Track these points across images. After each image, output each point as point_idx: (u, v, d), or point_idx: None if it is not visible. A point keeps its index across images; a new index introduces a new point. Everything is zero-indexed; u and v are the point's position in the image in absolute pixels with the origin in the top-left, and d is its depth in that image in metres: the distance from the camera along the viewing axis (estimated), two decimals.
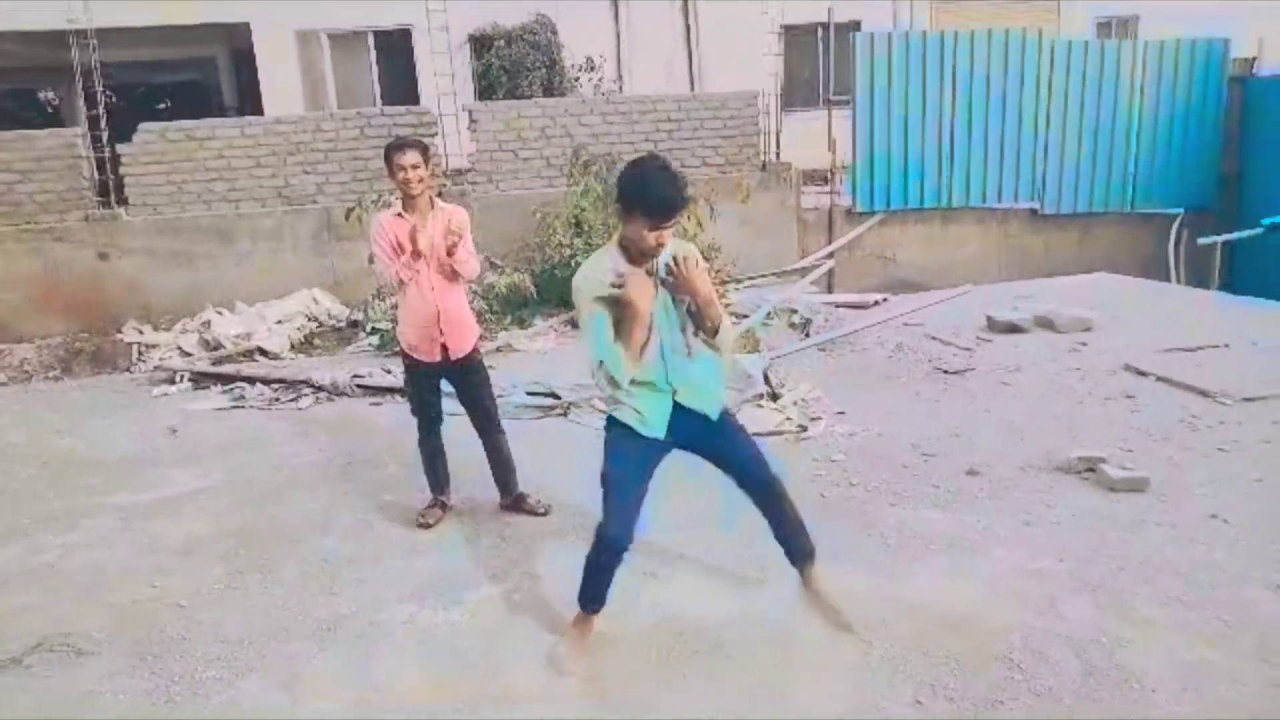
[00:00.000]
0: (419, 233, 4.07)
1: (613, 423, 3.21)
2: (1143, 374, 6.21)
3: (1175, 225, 11.28)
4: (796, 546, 3.39)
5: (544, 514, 4.46)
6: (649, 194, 2.86)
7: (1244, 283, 10.49)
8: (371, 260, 4.27)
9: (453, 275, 4.20)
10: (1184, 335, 7.04)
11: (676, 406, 3.13)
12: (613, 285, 2.96)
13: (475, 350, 4.39)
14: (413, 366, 4.36)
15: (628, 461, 3.15)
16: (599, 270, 3.04)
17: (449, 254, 4.12)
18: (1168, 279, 10.90)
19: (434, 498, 4.55)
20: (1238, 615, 3.33)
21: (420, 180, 4.10)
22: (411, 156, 4.07)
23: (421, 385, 4.41)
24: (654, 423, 3.13)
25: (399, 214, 4.19)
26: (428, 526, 4.41)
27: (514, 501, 4.55)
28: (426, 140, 9.30)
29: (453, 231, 4.11)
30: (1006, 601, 3.49)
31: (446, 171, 9.80)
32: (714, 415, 3.20)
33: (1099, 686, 2.97)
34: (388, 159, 4.13)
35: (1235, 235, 10.70)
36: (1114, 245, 11.25)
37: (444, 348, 4.23)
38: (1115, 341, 7.05)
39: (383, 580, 3.93)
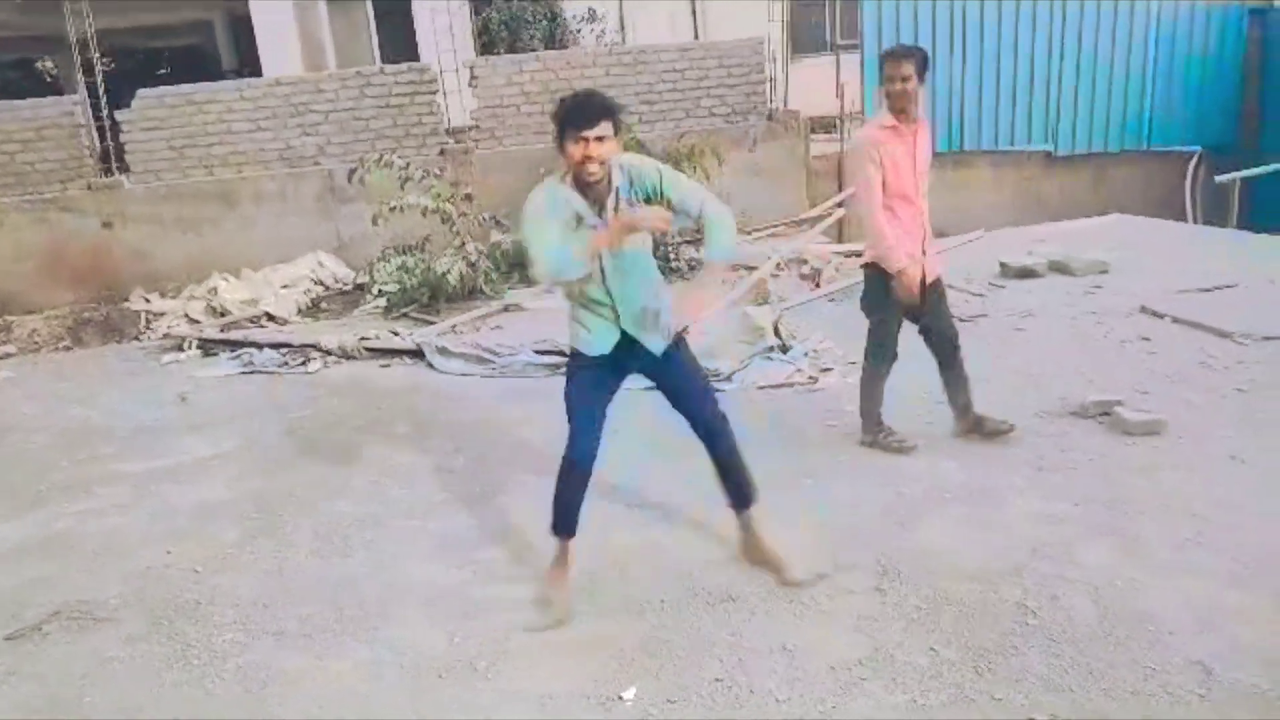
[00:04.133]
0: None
1: (573, 352, 3.31)
2: (1159, 315, 6.11)
3: (1192, 163, 11.05)
4: (733, 489, 3.41)
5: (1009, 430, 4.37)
6: (564, 106, 2.99)
7: (1263, 221, 10.28)
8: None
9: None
10: (1201, 275, 6.92)
11: (624, 333, 3.18)
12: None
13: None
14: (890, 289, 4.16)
15: (584, 383, 3.25)
16: (551, 194, 3.06)
17: None
18: (1185, 219, 10.71)
19: (877, 422, 4.41)
20: (1256, 557, 3.29)
21: (913, 93, 3.96)
22: (907, 67, 3.92)
23: (898, 309, 4.21)
24: (601, 341, 3.19)
25: (892, 126, 4.03)
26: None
27: (973, 422, 4.44)
28: (428, 97, 9.27)
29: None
30: (1022, 548, 3.46)
31: (449, 129, 9.68)
32: (657, 351, 3.21)
33: (1115, 629, 2.95)
34: (883, 67, 3.97)
35: (1254, 172, 10.47)
36: (1129, 186, 11.05)
37: (924, 271, 4.13)
38: (1131, 283, 6.94)
39: (395, 541, 3.93)
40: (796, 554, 3.40)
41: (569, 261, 2.99)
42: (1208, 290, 6.58)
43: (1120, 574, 3.24)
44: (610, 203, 3.05)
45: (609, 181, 3.05)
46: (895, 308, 4.19)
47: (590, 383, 3.26)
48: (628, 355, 3.22)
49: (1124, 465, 4.07)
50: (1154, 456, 4.13)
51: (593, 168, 2.97)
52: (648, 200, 3.08)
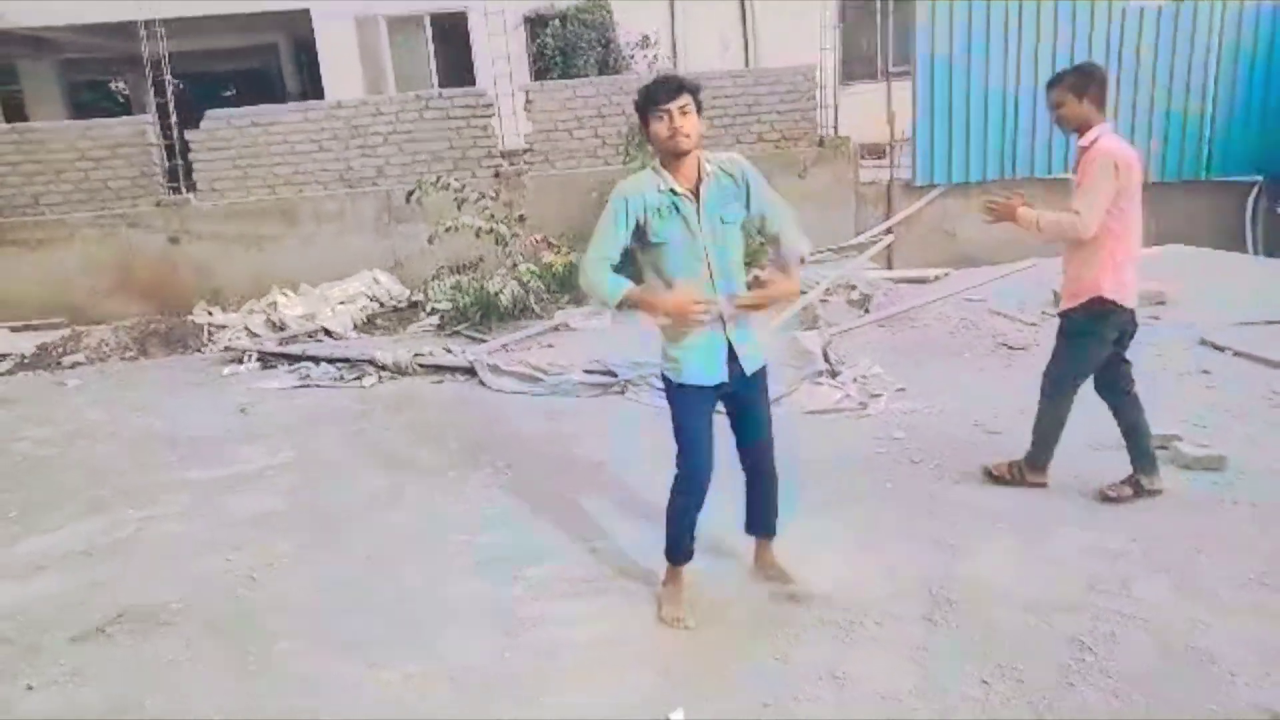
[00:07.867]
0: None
1: (670, 383, 3.27)
2: (1219, 348, 5.98)
3: (1253, 194, 10.80)
4: (760, 519, 3.51)
5: None
6: (643, 90, 3.03)
7: None
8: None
9: None
10: (1263, 308, 6.74)
11: (729, 349, 3.18)
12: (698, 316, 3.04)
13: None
14: (1112, 312, 4.11)
15: (694, 409, 3.24)
16: (642, 183, 3.11)
17: None
18: (1244, 251, 10.46)
19: (1132, 475, 4.09)
20: None
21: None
22: None
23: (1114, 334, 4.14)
24: (713, 369, 3.18)
25: None
26: (1115, 501, 4.03)
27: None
28: (484, 120, 9.44)
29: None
30: (1076, 581, 3.41)
31: (503, 152, 9.85)
32: (749, 370, 3.23)
33: (1176, 669, 2.89)
34: None
35: None
36: (1186, 215, 10.80)
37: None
38: (1189, 315, 6.79)
39: (446, 555, 3.99)
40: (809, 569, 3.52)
41: (607, 294, 3.09)
42: (1271, 324, 6.43)
43: (1181, 612, 3.18)
44: (704, 188, 3.08)
45: (700, 167, 3.08)
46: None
47: (701, 409, 3.24)
48: (731, 370, 3.21)
49: (1183, 500, 3.99)
50: (1215, 492, 4.04)
51: (681, 139, 2.97)
52: (740, 197, 3.18)
